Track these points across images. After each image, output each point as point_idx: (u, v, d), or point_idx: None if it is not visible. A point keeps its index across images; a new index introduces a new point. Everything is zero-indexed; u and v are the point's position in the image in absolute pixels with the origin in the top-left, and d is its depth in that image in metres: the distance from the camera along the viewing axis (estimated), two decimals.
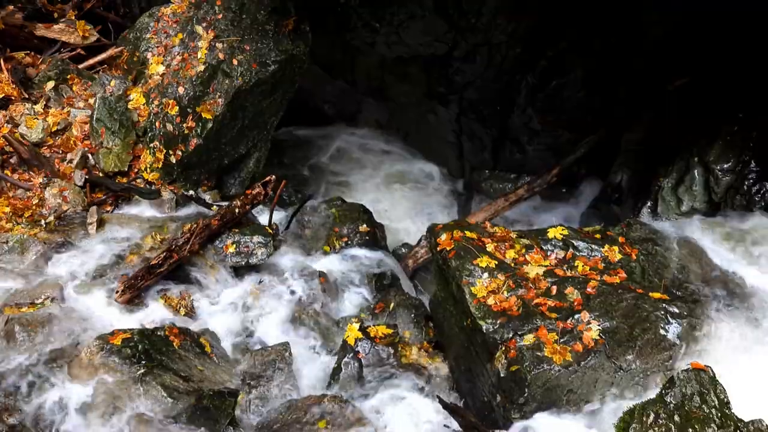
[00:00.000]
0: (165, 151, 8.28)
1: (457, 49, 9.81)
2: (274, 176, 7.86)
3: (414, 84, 10.71)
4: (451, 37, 9.65)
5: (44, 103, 8.53)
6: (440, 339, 6.47)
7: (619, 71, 9.37)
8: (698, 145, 7.87)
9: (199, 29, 8.59)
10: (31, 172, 7.84)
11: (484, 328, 5.54)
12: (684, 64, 8.72)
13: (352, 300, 7.29)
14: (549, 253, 6.10)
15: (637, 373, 5.34)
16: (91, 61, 9.17)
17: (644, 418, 4.65)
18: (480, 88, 10.13)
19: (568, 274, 5.91)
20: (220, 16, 8.60)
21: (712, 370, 4.80)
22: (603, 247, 6.13)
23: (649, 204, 8.11)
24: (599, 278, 5.82)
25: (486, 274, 5.83)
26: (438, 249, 6.20)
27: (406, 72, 10.59)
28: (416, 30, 9.64)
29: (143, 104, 8.53)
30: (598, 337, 5.37)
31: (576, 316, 5.48)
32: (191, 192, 8.27)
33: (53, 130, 8.27)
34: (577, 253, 6.09)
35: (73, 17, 9.65)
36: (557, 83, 9.69)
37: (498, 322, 5.54)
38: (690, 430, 4.51)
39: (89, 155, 8.15)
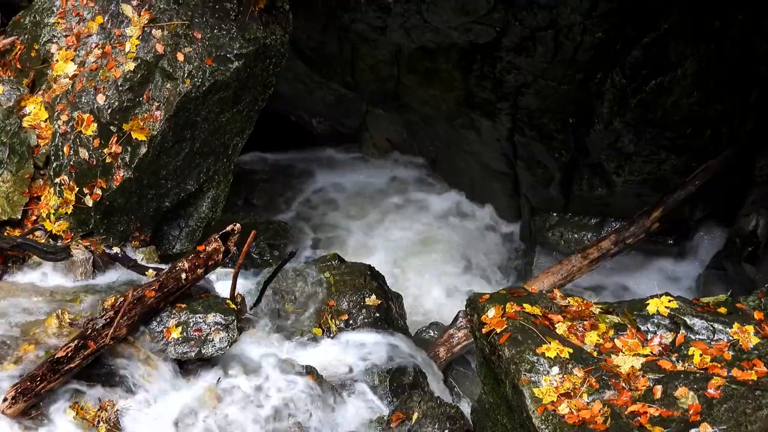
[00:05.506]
0: (77, 188, 8.36)
1: (509, 34, 9.86)
2: (238, 225, 7.89)
3: (445, 87, 10.78)
4: (500, 17, 9.70)
5: None
6: None
7: (749, 65, 9.45)
8: None
9: (128, 9, 8.69)
10: None
11: None
12: None
13: (356, 409, 7.30)
14: (650, 337, 6.12)
15: None
16: None
17: None
18: (542, 93, 10.18)
19: (679, 367, 5.88)
20: None
21: None
22: (731, 327, 6.11)
23: None
24: (726, 374, 5.79)
25: (556, 369, 5.83)
26: (484, 331, 6.22)
27: (433, 69, 10.66)
28: (448, 7, 9.73)
29: (45, 120, 8.64)
30: None
31: None
32: (116, 249, 8.32)
33: None
34: (693, 336, 6.08)
35: None
36: (657, 83, 9.71)
37: None
38: None
39: None
